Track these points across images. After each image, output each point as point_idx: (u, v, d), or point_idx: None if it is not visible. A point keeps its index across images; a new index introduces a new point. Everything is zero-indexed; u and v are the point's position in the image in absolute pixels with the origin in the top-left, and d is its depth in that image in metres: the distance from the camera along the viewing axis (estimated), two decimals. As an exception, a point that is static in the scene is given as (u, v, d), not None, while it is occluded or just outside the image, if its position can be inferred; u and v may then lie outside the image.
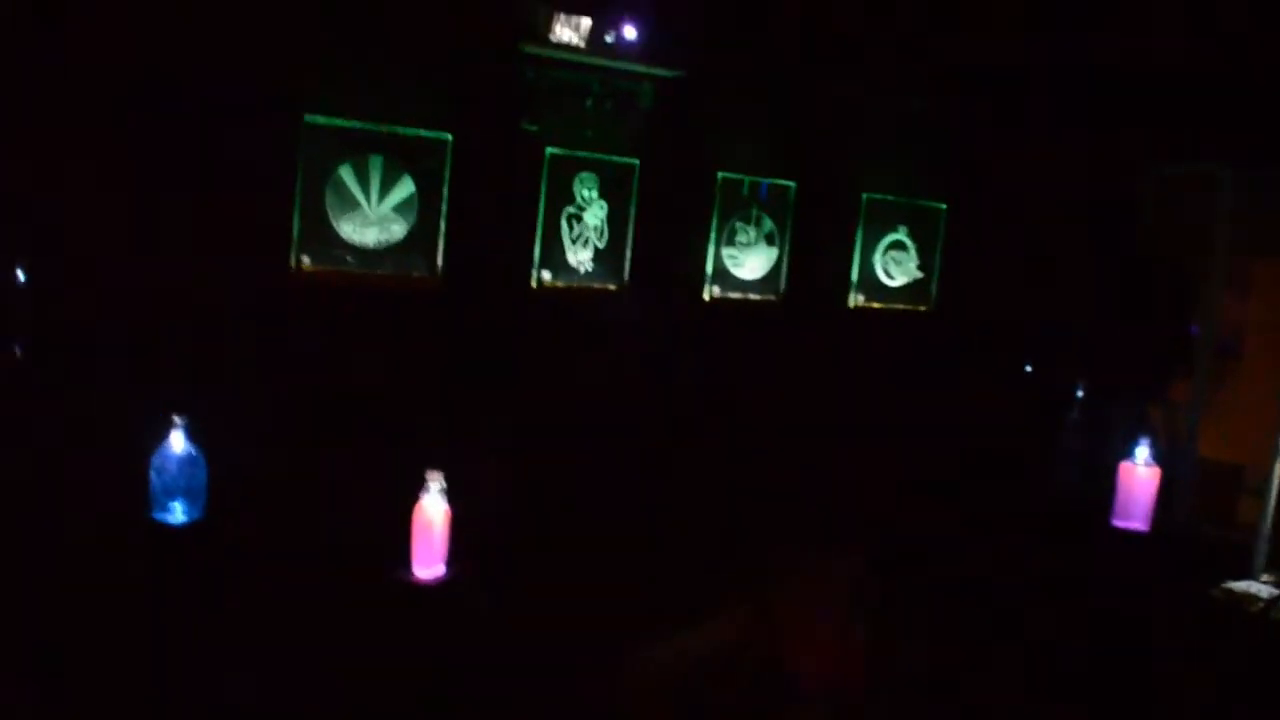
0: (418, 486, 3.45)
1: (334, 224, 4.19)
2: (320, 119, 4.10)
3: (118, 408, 3.64)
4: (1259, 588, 4.79)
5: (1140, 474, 4.52)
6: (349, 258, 4.24)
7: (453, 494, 3.50)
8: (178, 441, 3.41)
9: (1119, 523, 4.58)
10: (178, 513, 3.43)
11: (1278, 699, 3.93)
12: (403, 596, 3.47)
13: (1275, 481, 5.01)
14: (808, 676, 3.33)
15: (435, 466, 3.45)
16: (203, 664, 3.46)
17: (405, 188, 4.31)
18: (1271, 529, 5.04)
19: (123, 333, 3.77)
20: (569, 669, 3.70)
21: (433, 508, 3.44)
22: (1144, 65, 5.34)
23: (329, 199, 4.16)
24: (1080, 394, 5.44)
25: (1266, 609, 4.42)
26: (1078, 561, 4.64)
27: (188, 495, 3.42)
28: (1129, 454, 4.57)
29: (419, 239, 4.36)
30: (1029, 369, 5.73)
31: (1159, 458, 4.66)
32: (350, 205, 4.20)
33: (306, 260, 4.15)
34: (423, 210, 4.34)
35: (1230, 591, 4.71)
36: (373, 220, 4.26)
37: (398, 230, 4.31)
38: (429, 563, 3.46)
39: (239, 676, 3.59)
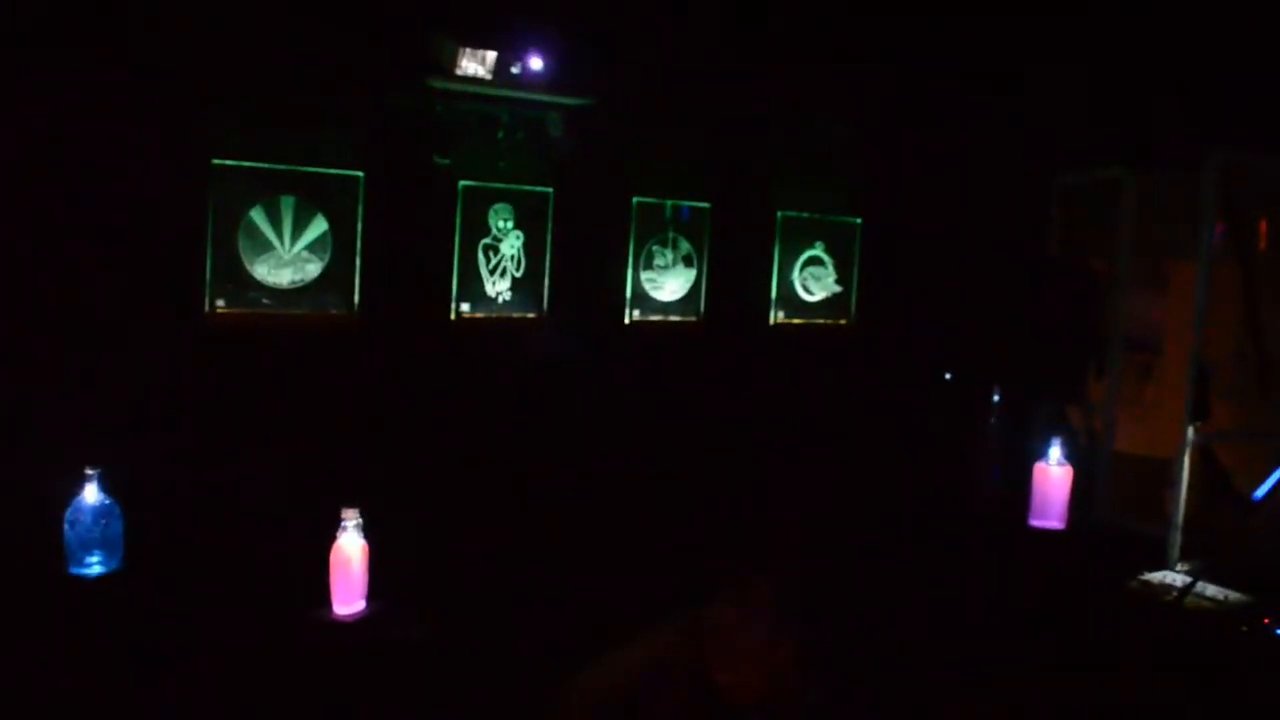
0: (335, 519, 3.45)
1: (247, 266, 4.18)
2: (229, 161, 4.09)
3: (30, 461, 3.60)
4: (1174, 577, 4.94)
5: (1054, 474, 4.64)
6: (264, 299, 4.23)
7: (371, 530, 3.50)
8: (92, 493, 3.37)
9: (1036, 522, 4.70)
10: (95, 565, 3.40)
11: (1190, 683, 4.04)
12: (323, 634, 3.46)
13: (1184, 474, 5.17)
14: (739, 690, 3.35)
15: (352, 504, 3.46)
16: (125, 715, 3.42)
17: (318, 226, 4.31)
18: (1185, 521, 5.20)
19: (34, 381, 3.72)
20: (494, 702, 3.71)
21: (350, 545, 3.44)
22: (1050, 71, 5.52)
23: (241, 241, 4.15)
24: (997, 398, 5.57)
25: (1180, 597, 4.56)
26: (998, 562, 4.74)
27: (104, 546, 3.39)
28: (1043, 455, 4.69)
29: (334, 277, 4.36)
30: (948, 376, 5.85)
31: (1075, 456, 4.79)
32: (263, 246, 4.20)
33: (221, 303, 4.14)
34: (337, 248, 4.35)
35: (1147, 583, 4.86)
36: (287, 260, 4.25)
37: (312, 269, 4.31)
38: (348, 600, 3.46)
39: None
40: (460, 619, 4.16)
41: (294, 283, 4.27)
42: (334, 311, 4.37)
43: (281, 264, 4.24)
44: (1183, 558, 5.19)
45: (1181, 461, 5.20)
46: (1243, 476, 5.19)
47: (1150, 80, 5.31)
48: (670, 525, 4.88)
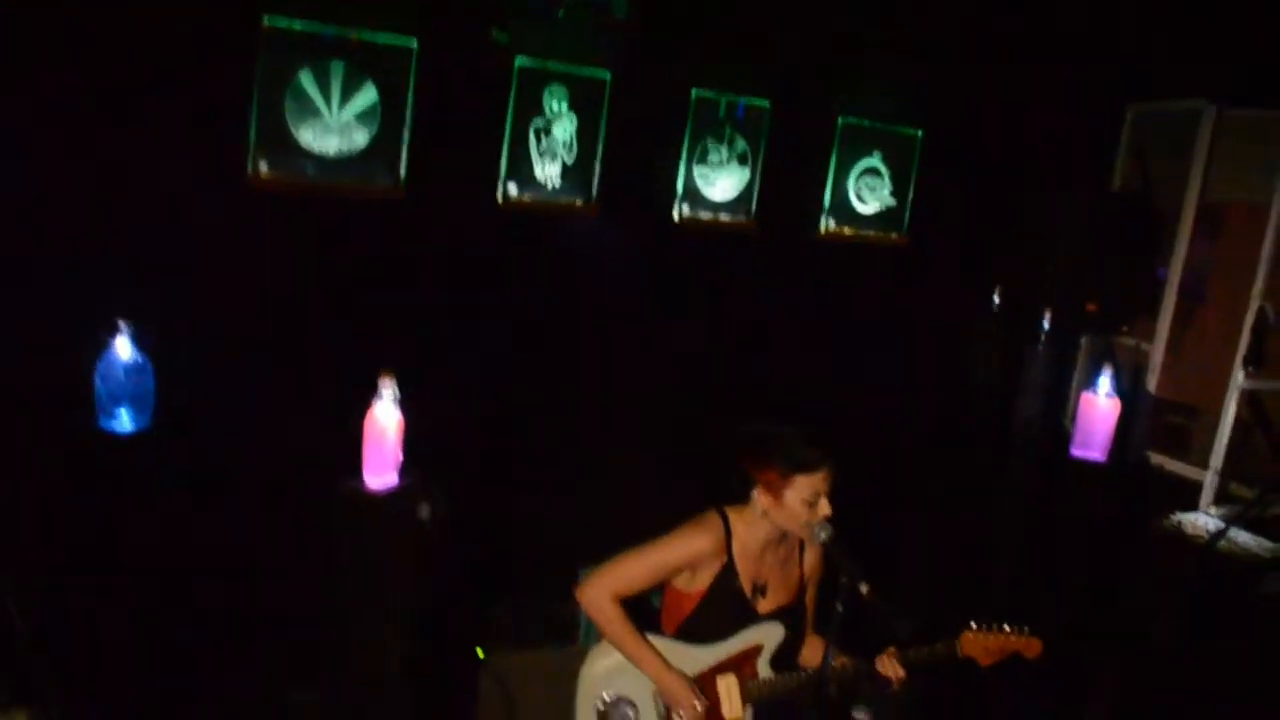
0: (371, 395, 3.41)
1: (293, 131, 4.07)
2: (280, 21, 3.96)
3: (63, 313, 3.56)
4: (1206, 521, 4.87)
5: (1101, 404, 4.56)
6: (309, 166, 4.13)
7: (406, 406, 3.46)
8: (124, 347, 3.34)
9: (1078, 452, 4.63)
10: (124, 421, 3.38)
11: (1219, 625, 4.01)
12: (354, 505, 3.45)
13: (1228, 419, 5.08)
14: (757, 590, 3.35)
15: (389, 373, 3.41)
16: (149, 573, 3.45)
17: (368, 95, 4.19)
18: (1222, 466, 5.12)
19: (71, 236, 3.66)
20: (522, 579, 3.74)
21: (384, 414, 3.40)
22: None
23: (288, 105, 4.04)
24: (1046, 326, 5.44)
25: (1212, 541, 4.49)
26: (1035, 489, 4.69)
27: (134, 402, 3.37)
28: (1091, 385, 4.60)
29: (381, 148, 4.25)
30: (996, 299, 5.72)
31: (1120, 391, 4.69)
32: (310, 112, 4.09)
33: (264, 167, 4.05)
34: (386, 119, 4.23)
35: (1179, 524, 4.79)
36: (333, 128, 4.15)
37: (359, 139, 4.21)
38: (381, 471, 3.44)
39: (186, 584, 3.59)
40: (491, 499, 4.18)
41: (340, 152, 4.18)
42: (379, 184, 4.27)
43: (328, 131, 4.14)
44: (1217, 502, 5.12)
45: (1226, 406, 5.09)
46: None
47: (1242, 9, 5.05)
48: (702, 424, 4.85)
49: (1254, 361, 4.97)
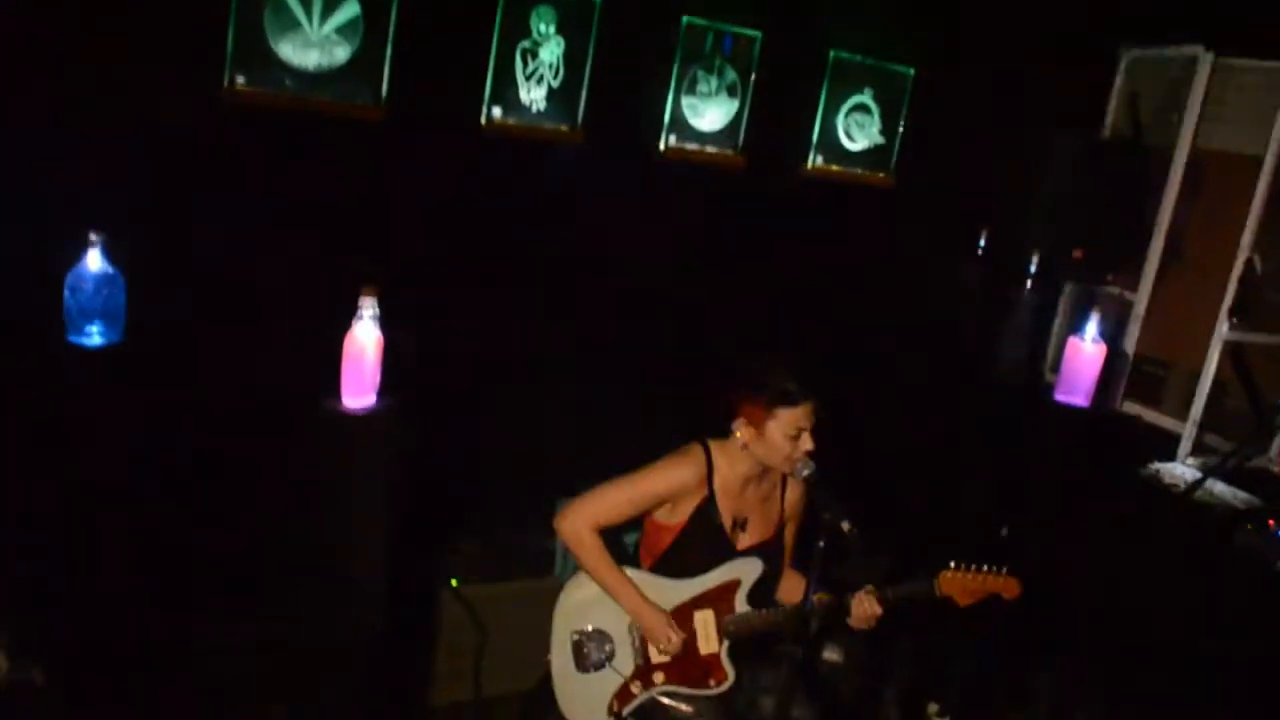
0: (347, 315, 3.33)
1: (272, 44, 3.94)
2: (259, -74, 3.81)
3: (32, 225, 3.44)
4: (1184, 471, 4.89)
5: (1087, 350, 4.54)
6: (287, 81, 4.00)
7: (385, 328, 3.39)
8: (95, 260, 3.24)
9: (1061, 397, 4.62)
10: (95, 335, 3.29)
11: (1196, 573, 4.04)
12: (331, 425, 3.39)
13: (1210, 370, 5.08)
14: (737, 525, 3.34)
15: (371, 292, 3.33)
16: (118, 491, 3.38)
17: (350, 9, 4.05)
18: (1202, 418, 5.13)
19: (41, 146, 3.53)
20: (498, 510, 3.70)
21: (364, 333, 3.32)
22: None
23: (267, 17, 3.90)
24: (1033, 270, 5.41)
25: (1189, 490, 4.51)
26: (1017, 432, 4.69)
27: (105, 316, 3.28)
28: (1078, 331, 4.58)
29: (363, 65, 4.12)
30: (983, 243, 5.67)
31: (1105, 338, 4.68)
32: (290, 24, 3.95)
33: (241, 80, 3.92)
34: (368, 34, 4.09)
35: (1157, 473, 4.80)
36: (314, 41, 4.01)
37: (340, 54, 4.08)
38: (360, 391, 3.36)
39: (154, 502, 3.52)
40: (467, 426, 4.13)
41: (320, 67, 4.04)
42: (360, 102, 4.14)
43: (308, 45, 4.00)
44: (1195, 453, 5.14)
45: (1209, 358, 5.09)
46: (1268, 381, 5.08)
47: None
48: (683, 355, 4.81)
49: (1238, 313, 4.96)
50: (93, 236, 3.27)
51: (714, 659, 3.25)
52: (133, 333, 3.38)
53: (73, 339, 3.31)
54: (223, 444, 3.92)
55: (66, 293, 3.27)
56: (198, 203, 3.87)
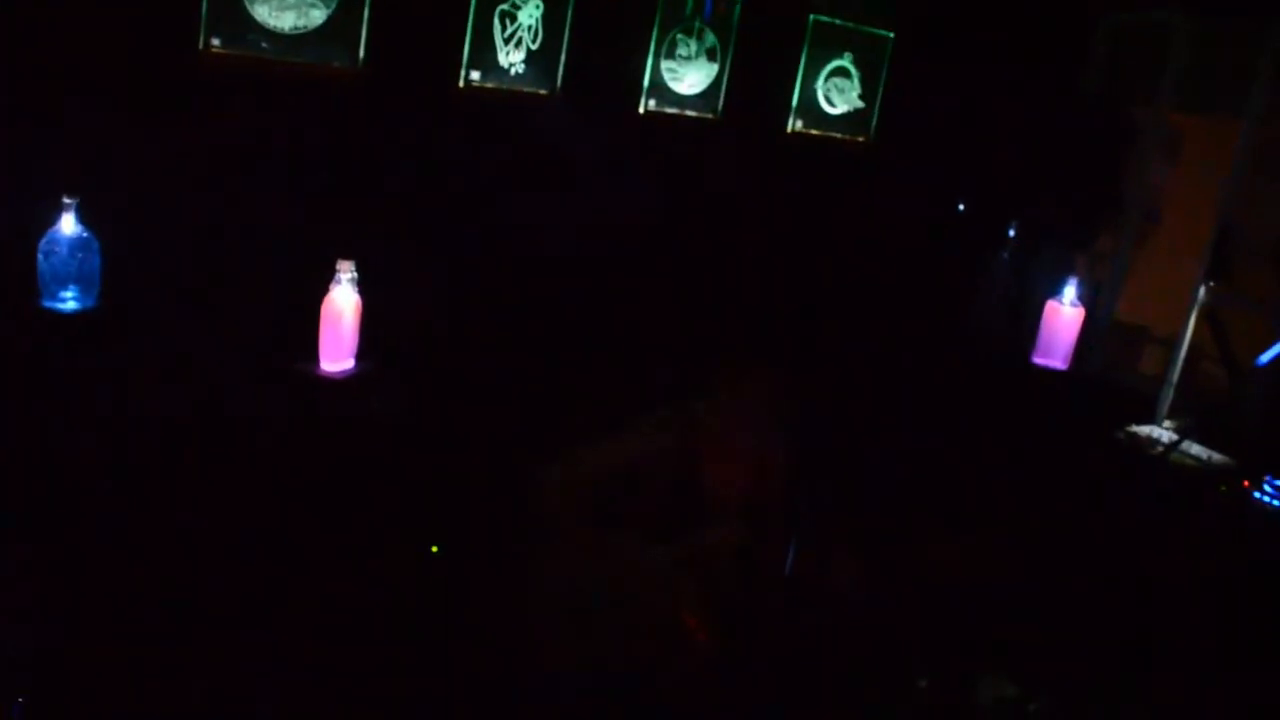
0: (328, 278, 3.31)
1: (247, 5, 3.88)
2: (232, -117, 3.74)
3: (4, 188, 3.39)
4: (1160, 433, 4.94)
5: (1065, 313, 4.56)
6: (263, 42, 3.94)
7: (363, 294, 3.37)
8: (68, 224, 3.20)
9: (1039, 360, 4.65)
10: (69, 301, 3.25)
11: (1171, 535, 4.07)
12: (308, 390, 3.37)
13: (1187, 333, 5.12)
14: (724, 489, 3.34)
15: (347, 257, 3.30)
16: (93, 458, 3.35)
17: (326, -31, 4.00)
18: (1178, 380, 5.17)
19: (13, 109, 3.47)
20: (477, 471, 3.68)
21: (342, 298, 3.31)
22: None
23: (242, -24, 3.85)
24: (1011, 234, 5.42)
25: (1165, 452, 4.55)
26: (995, 395, 4.71)
27: (79, 281, 3.24)
28: (1056, 294, 4.59)
29: (340, 27, 4.06)
30: (961, 207, 5.68)
31: (1083, 301, 4.70)
32: (265, -16, 3.90)
33: (216, 42, 3.86)
34: (344, -5, 4.05)
35: (1134, 435, 4.84)
36: (290, 3, 3.95)
37: (317, 15, 4.02)
38: (337, 356, 3.35)
39: (130, 468, 3.49)
40: (449, 391, 4.10)
41: (296, 28, 3.99)
42: (337, 64, 4.09)
43: (284, 6, 3.94)
44: (1171, 415, 5.18)
45: (1186, 321, 5.13)
46: (1243, 345, 5.12)
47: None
48: (668, 322, 4.80)
49: (1215, 276, 4.99)
50: (66, 200, 3.22)
51: None
52: (108, 297, 3.34)
53: (47, 304, 3.27)
54: (199, 408, 3.88)
55: (40, 257, 3.22)
56: (174, 166, 3.81)
